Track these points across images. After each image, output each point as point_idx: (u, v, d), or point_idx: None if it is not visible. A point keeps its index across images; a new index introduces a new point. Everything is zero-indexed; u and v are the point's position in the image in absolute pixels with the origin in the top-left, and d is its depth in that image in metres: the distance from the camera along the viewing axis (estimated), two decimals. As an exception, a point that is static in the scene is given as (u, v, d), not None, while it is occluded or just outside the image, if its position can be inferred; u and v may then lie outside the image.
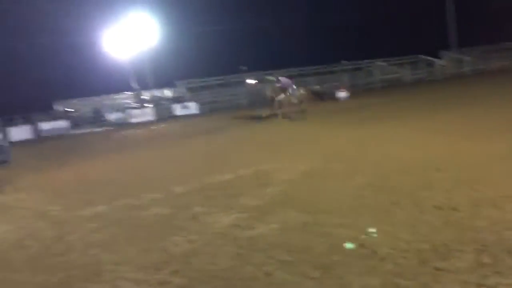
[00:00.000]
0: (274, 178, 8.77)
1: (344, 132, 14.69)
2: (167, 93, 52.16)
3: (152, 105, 40.81)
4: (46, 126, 33.21)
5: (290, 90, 21.26)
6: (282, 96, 21.36)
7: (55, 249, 6.10)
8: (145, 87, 46.03)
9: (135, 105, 42.96)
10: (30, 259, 5.83)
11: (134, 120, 35.63)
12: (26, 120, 33.69)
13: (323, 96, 23.41)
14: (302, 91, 22.39)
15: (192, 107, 37.79)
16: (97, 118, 40.98)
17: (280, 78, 22.28)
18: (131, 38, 41.22)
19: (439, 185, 6.77)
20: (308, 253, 4.78)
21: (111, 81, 46.00)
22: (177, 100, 41.80)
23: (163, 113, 37.83)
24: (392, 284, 3.83)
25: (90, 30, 41.77)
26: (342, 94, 31.65)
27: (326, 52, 50.27)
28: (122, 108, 40.80)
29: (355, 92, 34.95)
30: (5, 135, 27.75)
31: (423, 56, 51.62)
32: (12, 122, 33.08)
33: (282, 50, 52.51)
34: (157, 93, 49.16)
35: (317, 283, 4.04)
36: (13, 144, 26.46)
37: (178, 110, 37.41)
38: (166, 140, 19.90)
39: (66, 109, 44.91)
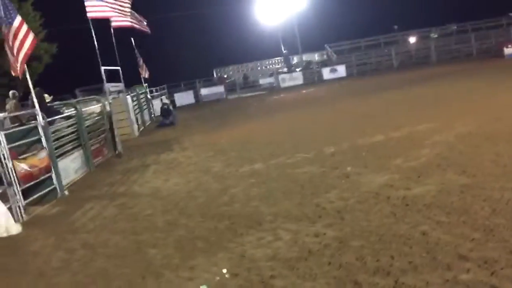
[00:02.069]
0: (429, 140, 8.41)
1: (508, 90, 13.27)
2: (316, 57, 52.30)
3: (301, 69, 41.34)
4: (205, 91, 35.93)
5: None
6: None
7: (220, 200, 6.79)
8: (295, 51, 46.74)
9: (284, 69, 44.00)
10: (200, 207, 6.59)
11: (284, 85, 36.50)
12: (189, 87, 36.86)
13: None
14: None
15: (341, 70, 37.28)
16: (247, 84, 43.23)
17: None
18: (280, 4, 42.04)
19: None
20: (468, 216, 4.59)
21: (263, 47, 47.61)
22: (326, 63, 41.64)
23: (312, 76, 38.07)
24: None
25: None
26: (508, 50, 28.34)
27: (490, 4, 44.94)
28: (273, 73, 42.11)
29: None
30: (172, 100, 30.86)
31: None
32: (177, 89, 36.54)
33: (437, 7, 48.49)
34: (305, 57, 49.60)
35: (477, 244, 3.90)
36: (178, 108, 29.33)
37: (326, 73, 37.24)
38: (315, 103, 20.14)
39: (222, 75, 48.00)
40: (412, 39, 42.59)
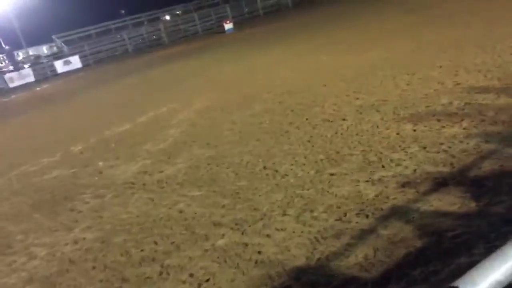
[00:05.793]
0: (173, 120, 8.77)
1: (233, 63, 14.82)
2: (45, 50, 48.29)
3: (30, 65, 37.60)
4: None
5: None
6: None
7: (-47, 232, 5.75)
8: (18, 46, 42.12)
9: (10, 67, 39.36)
10: None
11: (13, 85, 32.61)
12: None
13: None
14: None
15: (76, 61, 35.32)
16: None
17: None
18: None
19: (327, 99, 7.25)
20: (217, 185, 4.99)
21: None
22: (58, 56, 38.81)
23: (44, 72, 35.04)
24: (295, 195, 4.19)
25: None
26: (227, 26, 31.44)
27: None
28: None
29: (240, 22, 34.92)
30: None
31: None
32: None
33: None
34: (33, 51, 45.31)
35: (229, 210, 4.29)
36: None
37: (60, 66, 34.76)
38: (53, 101, 18.68)
39: None
40: (148, 22, 43.06)
